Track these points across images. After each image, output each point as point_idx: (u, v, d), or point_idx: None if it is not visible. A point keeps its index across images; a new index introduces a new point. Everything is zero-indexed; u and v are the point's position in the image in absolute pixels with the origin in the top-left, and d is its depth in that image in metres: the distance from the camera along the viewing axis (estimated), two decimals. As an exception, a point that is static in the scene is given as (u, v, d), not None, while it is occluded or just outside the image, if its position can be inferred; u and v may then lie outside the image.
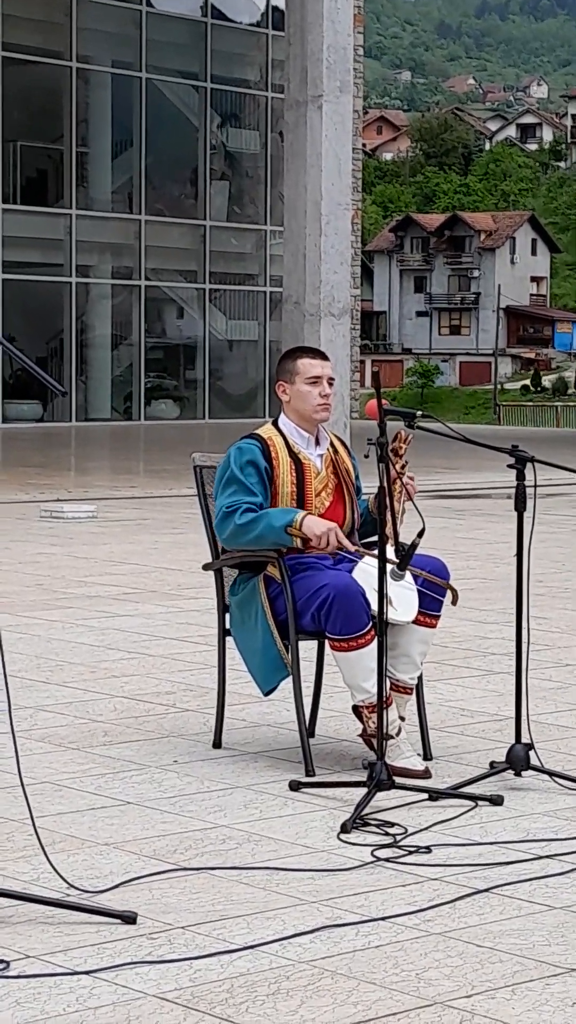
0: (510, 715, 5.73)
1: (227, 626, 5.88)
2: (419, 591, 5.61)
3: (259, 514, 5.62)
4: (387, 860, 4.62)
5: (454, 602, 5.71)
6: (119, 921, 4.06)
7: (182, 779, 5.50)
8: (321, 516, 5.73)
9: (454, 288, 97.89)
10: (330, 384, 5.83)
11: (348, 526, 5.83)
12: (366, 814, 4.96)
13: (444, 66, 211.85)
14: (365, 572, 5.50)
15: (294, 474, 5.75)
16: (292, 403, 5.83)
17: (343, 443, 5.99)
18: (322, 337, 17.22)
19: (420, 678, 5.75)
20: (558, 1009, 3.55)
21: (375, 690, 5.33)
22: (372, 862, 4.60)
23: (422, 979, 3.72)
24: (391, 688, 5.55)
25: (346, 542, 5.63)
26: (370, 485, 5.48)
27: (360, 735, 5.67)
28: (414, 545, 5.43)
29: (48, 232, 31.72)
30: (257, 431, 5.85)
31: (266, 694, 5.83)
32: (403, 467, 5.67)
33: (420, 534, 5.43)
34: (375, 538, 5.62)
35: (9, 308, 30.36)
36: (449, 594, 5.68)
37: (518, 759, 5.44)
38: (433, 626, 5.68)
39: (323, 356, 5.91)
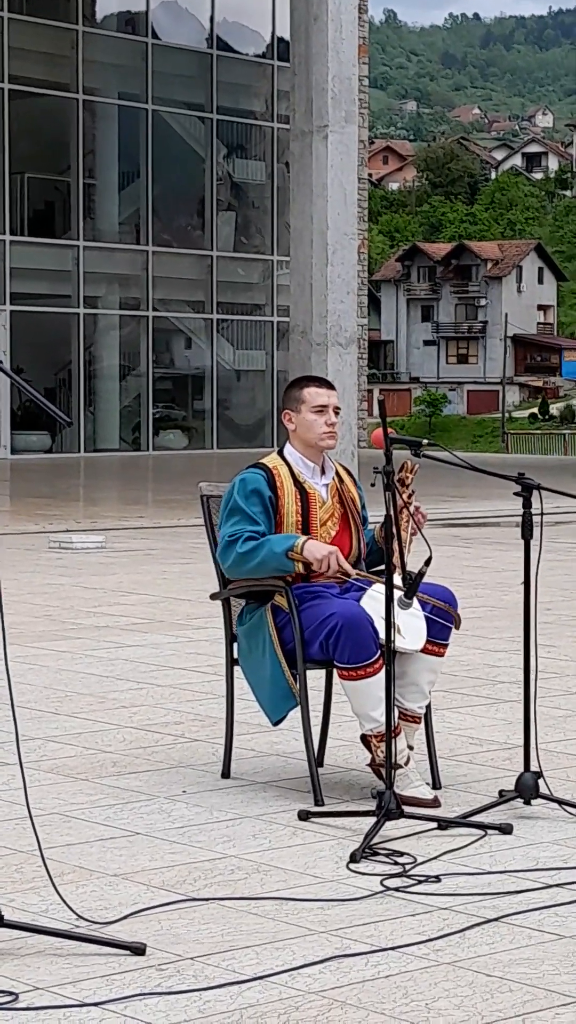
0: (519, 743, 5.72)
1: (235, 656, 5.88)
2: (427, 619, 5.61)
3: (260, 541, 5.62)
4: (396, 890, 4.61)
5: (457, 626, 5.71)
6: (128, 952, 4.05)
7: (191, 809, 5.49)
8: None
9: (461, 317, 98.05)
10: (336, 413, 5.84)
11: (354, 555, 5.83)
12: (375, 843, 4.95)
13: (449, 96, 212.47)
14: (373, 600, 5.50)
15: (299, 503, 5.75)
16: (298, 432, 5.84)
17: (349, 472, 5.99)
18: (329, 366, 17.25)
19: (428, 707, 5.75)
20: (568, 1039, 3.54)
21: (384, 719, 5.32)
22: (381, 892, 4.59)
23: (432, 1009, 3.71)
24: (399, 717, 5.54)
25: (347, 566, 5.63)
26: (376, 514, 5.48)
27: (369, 764, 5.66)
28: (421, 573, 5.44)
29: (56, 263, 31.81)
30: (262, 460, 5.86)
31: (275, 724, 5.83)
32: (410, 496, 5.68)
33: (427, 562, 5.43)
34: (383, 567, 5.62)
35: (17, 339, 30.43)
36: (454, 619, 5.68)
37: (527, 787, 5.43)
38: (441, 654, 5.67)
39: (329, 385, 5.94)
